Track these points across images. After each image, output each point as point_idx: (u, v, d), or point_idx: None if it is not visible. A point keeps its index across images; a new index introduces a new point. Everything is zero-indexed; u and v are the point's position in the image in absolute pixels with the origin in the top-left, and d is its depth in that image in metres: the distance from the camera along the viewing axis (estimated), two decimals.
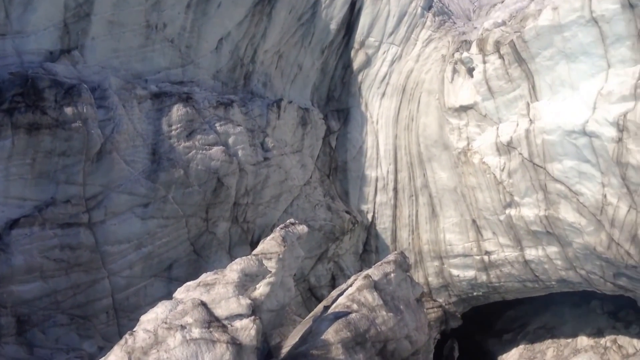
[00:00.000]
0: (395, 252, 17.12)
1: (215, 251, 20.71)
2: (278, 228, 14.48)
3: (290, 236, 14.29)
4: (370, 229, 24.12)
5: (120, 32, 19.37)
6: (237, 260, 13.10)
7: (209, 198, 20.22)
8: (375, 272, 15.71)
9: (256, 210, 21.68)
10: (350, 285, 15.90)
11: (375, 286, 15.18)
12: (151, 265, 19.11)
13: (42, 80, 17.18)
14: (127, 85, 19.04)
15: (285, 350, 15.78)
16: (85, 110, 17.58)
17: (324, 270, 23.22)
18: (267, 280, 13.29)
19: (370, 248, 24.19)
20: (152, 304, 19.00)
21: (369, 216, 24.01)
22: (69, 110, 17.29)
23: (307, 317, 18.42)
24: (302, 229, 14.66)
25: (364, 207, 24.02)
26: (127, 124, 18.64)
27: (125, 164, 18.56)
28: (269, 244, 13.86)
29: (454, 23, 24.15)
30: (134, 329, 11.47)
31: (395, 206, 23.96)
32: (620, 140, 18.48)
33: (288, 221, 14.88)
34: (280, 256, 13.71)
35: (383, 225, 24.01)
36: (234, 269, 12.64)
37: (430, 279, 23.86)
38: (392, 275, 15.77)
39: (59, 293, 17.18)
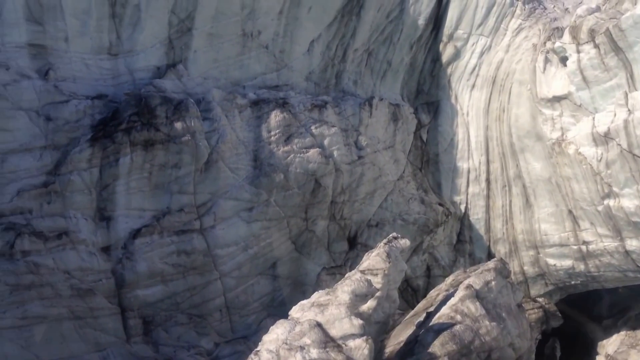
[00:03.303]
0: (495, 259, 16.87)
1: (315, 248, 21.13)
2: (382, 243, 14.61)
3: (394, 251, 14.42)
4: (463, 219, 23.77)
5: (219, 43, 19.81)
6: (347, 281, 13.35)
7: (308, 199, 20.57)
8: (476, 280, 15.56)
9: (352, 207, 21.85)
10: (451, 292, 15.82)
11: (477, 295, 15.06)
12: (257, 264, 19.78)
13: (154, 99, 17.90)
14: (228, 96, 19.49)
15: (389, 350, 16.05)
16: (193, 124, 18.21)
17: (419, 262, 23.18)
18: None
19: (464, 238, 23.88)
20: (259, 300, 19.94)
21: (462, 207, 23.64)
22: (178, 125, 17.97)
23: (408, 316, 18.61)
24: (405, 242, 14.75)
25: (457, 199, 23.66)
26: (230, 134, 19.15)
27: (230, 171, 19.15)
28: (375, 260, 14.07)
29: (545, 9, 22.92)
30: (258, 349, 11.97)
31: (488, 197, 23.43)
32: None
33: (391, 235, 14.97)
34: (386, 272, 13.93)
35: (476, 215, 23.59)
36: (345, 290, 12.94)
37: (525, 268, 23.32)
38: (493, 283, 15.58)
39: (178, 295, 18.16)
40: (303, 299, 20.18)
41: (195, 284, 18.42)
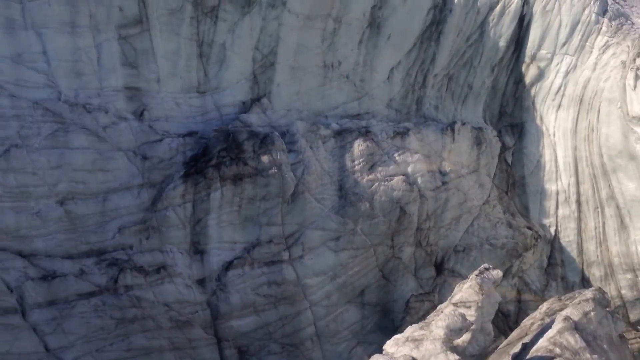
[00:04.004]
0: (593, 288, 16.05)
1: (402, 275, 20.87)
2: (474, 275, 14.20)
3: (486, 282, 13.98)
4: (554, 242, 22.87)
5: (301, 76, 20.11)
6: (441, 315, 13.03)
7: (394, 226, 20.39)
8: (574, 312, 14.79)
9: (438, 233, 21.49)
10: (547, 323, 15.13)
11: (576, 327, 14.30)
12: (346, 293, 19.72)
13: (241, 134, 18.31)
14: (312, 128, 19.70)
15: None
16: (279, 156, 18.48)
17: (509, 286, 22.45)
18: None
19: (555, 261, 22.95)
20: (349, 328, 19.83)
21: (552, 230, 22.77)
22: (265, 158, 18.27)
23: (502, 345, 17.93)
24: (497, 273, 14.28)
25: (546, 221, 22.83)
26: (315, 165, 19.30)
27: (316, 202, 19.26)
28: (467, 293, 13.68)
29: (632, 24, 21.99)
30: None
31: (579, 219, 22.48)
32: None
33: (482, 266, 14.54)
34: (479, 304, 13.51)
35: (567, 238, 22.65)
36: (439, 325, 12.62)
37: (623, 292, 22.14)
38: (592, 313, 14.78)
39: (270, 325, 18.33)
40: (392, 326, 20.07)
41: (286, 313, 18.54)
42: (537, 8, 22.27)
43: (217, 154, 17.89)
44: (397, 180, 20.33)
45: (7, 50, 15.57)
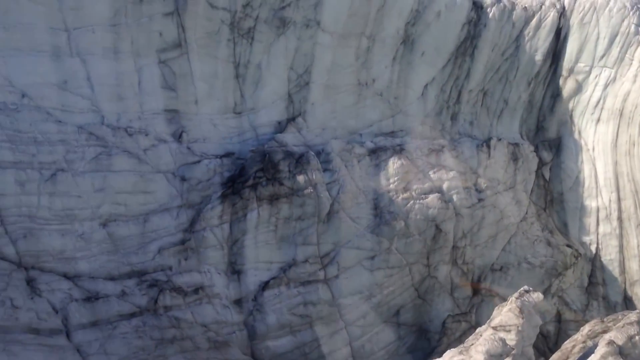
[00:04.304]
0: (637, 310, 15.69)
1: (438, 294, 20.75)
2: (514, 297, 14.06)
3: (527, 305, 13.84)
4: (594, 261, 22.43)
5: (335, 94, 20.27)
6: (480, 340, 12.95)
7: (429, 245, 20.31)
8: (618, 335, 14.50)
9: (474, 251, 21.30)
10: (589, 347, 14.85)
11: (621, 352, 14.03)
12: (381, 313, 19.69)
13: (277, 154, 18.51)
14: (347, 146, 19.79)
15: None
16: (314, 176, 18.61)
17: (548, 306, 22.06)
18: None
19: (596, 280, 22.50)
20: (385, 348, 19.78)
21: (592, 248, 22.35)
22: (301, 178, 18.42)
23: None
24: (538, 296, 14.12)
25: (586, 239, 22.41)
26: (350, 184, 19.37)
27: (351, 221, 19.32)
28: (507, 316, 13.55)
29: None
30: None
31: (621, 236, 22.01)
32: None
33: (522, 289, 14.39)
34: (520, 328, 13.38)
35: (609, 256, 22.20)
36: (479, 350, 12.53)
37: None
38: (637, 337, 14.46)
39: (306, 345, 18.42)
40: (428, 347, 19.97)
41: (322, 334, 18.61)
42: (574, 20, 21.98)
43: (254, 174, 18.11)
44: (433, 198, 20.25)
45: (53, 77, 16.07)
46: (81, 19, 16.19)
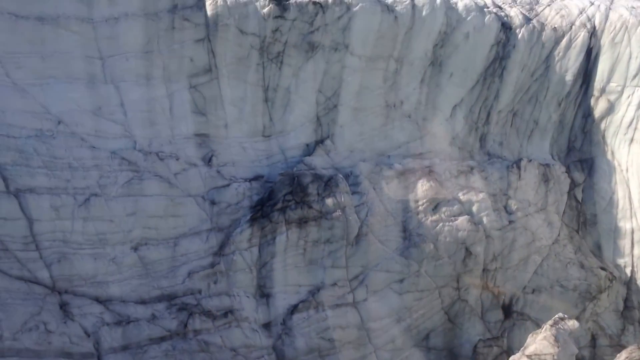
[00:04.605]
0: None
1: (468, 318, 20.37)
2: (548, 325, 13.76)
3: (562, 334, 13.54)
4: (630, 284, 21.79)
5: (363, 116, 20.21)
6: None
7: (459, 268, 20.00)
8: None
9: (505, 274, 20.89)
10: None
11: None
12: (410, 336, 19.41)
13: (306, 177, 18.50)
14: (375, 169, 19.69)
15: None
16: (343, 199, 18.53)
17: (582, 331, 21.44)
18: None
19: (632, 304, 21.83)
20: None
21: (628, 271, 21.73)
22: (329, 201, 18.36)
23: None
24: (573, 324, 13.83)
25: (621, 262, 21.81)
26: (378, 206, 19.24)
27: (380, 243, 19.16)
28: (542, 345, 13.28)
29: None
30: None
31: None
32: None
33: (557, 316, 14.09)
34: (555, 357, 13.08)
35: None
36: None
37: None
38: None
39: None
40: None
41: (350, 358, 18.39)
42: (605, 40, 21.61)
43: (283, 197, 18.11)
44: (462, 220, 19.97)
45: (88, 104, 16.40)
46: (115, 47, 16.52)
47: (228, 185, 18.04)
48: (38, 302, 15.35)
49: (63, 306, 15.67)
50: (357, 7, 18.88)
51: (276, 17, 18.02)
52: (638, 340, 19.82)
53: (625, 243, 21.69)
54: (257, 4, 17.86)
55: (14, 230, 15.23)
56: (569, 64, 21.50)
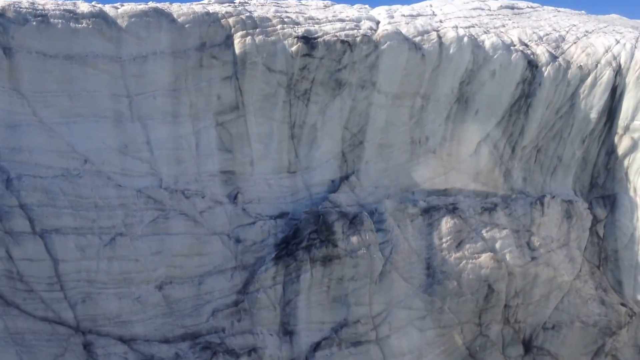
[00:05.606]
0: None
1: (489, 353, 19.07)
2: None
3: None
4: None
5: (388, 152, 18.88)
6: None
7: (481, 304, 18.69)
8: None
9: (526, 310, 19.52)
10: None
11: None
12: None
13: (331, 215, 17.25)
14: (400, 206, 18.40)
15: None
16: (367, 237, 17.31)
17: None
18: None
19: None
20: None
21: None
22: (354, 239, 17.15)
23: None
24: None
25: None
26: (403, 243, 17.96)
27: (403, 280, 17.90)
28: None
29: None
30: None
31: None
32: None
33: None
34: None
35: None
36: None
37: None
38: None
39: None
40: None
41: None
42: (630, 79, 20.10)
43: (308, 235, 16.89)
44: (485, 258, 18.61)
45: (114, 142, 15.25)
46: (143, 85, 15.36)
47: (253, 223, 16.82)
48: (62, 343, 14.28)
49: (87, 346, 14.58)
50: (385, 45, 17.56)
51: (304, 55, 16.75)
52: None
53: None
54: (286, 42, 16.59)
55: (39, 271, 14.17)
56: (594, 102, 20.02)
